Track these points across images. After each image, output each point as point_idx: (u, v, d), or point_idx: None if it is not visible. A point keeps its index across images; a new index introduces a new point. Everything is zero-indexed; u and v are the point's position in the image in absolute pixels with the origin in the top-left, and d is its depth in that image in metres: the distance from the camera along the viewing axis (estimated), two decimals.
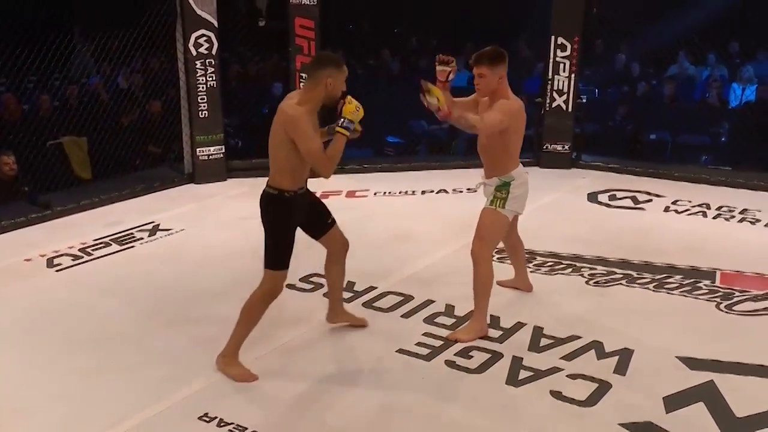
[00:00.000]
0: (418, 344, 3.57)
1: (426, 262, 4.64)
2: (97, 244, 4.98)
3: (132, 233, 5.22)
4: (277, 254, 3.22)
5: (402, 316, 3.89)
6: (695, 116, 8.28)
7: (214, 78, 6.37)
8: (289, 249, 3.23)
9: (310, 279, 4.32)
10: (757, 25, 9.80)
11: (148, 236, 5.17)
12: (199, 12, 6.20)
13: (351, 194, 6.21)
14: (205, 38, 6.27)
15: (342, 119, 3.15)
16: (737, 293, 4.09)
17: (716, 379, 3.21)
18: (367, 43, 9.88)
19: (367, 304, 4.03)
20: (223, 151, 6.58)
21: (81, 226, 5.39)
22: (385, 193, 6.25)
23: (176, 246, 5.01)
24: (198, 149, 6.46)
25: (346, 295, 3.98)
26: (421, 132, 8.53)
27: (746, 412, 2.96)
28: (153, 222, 5.43)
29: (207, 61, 6.32)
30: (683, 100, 8.24)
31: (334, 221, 3.50)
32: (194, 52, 6.25)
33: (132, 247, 4.97)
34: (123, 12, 6.72)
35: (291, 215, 3.24)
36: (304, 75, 6.16)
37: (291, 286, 4.19)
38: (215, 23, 6.29)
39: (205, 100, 6.37)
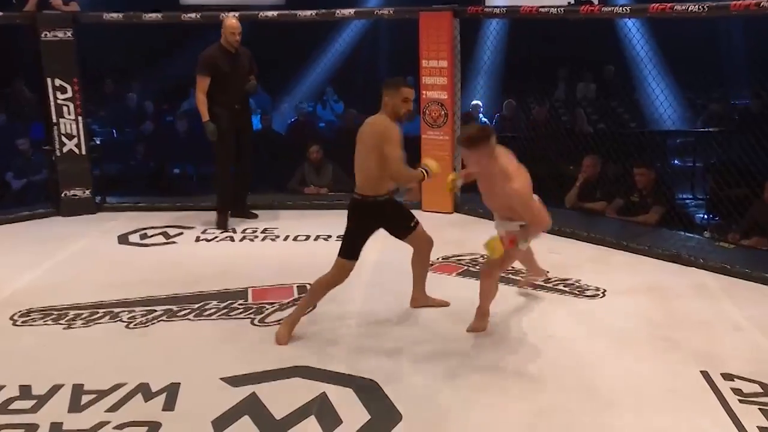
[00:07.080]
0: None
1: None
2: None
3: None
4: (351, 247, 3.86)
5: None
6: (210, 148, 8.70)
7: None
8: (361, 245, 3.89)
9: None
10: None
11: None
12: None
13: None
14: None
15: (426, 166, 3.92)
16: (268, 306, 4.42)
17: (257, 390, 3.39)
18: None
19: None
20: None
21: None
22: None
23: None
24: None
25: None
26: None
27: (283, 414, 3.20)
28: None
29: None
30: (197, 133, 8.58)
31: (417, 223, 4.11)
32: None
33: None
34: None
35: (373, 218, 3.88)
36: None
37: None
38: None
39: None
